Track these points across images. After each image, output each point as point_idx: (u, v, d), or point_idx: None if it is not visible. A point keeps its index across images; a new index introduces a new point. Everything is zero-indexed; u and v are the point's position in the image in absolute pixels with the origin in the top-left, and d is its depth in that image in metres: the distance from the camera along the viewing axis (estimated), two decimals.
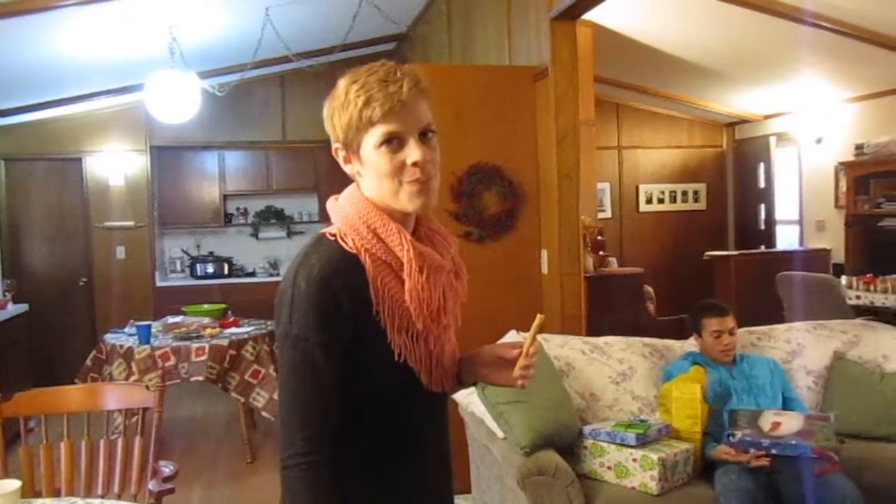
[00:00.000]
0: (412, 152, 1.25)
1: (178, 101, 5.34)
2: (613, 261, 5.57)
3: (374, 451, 1.31)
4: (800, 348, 3.48)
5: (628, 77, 7.49)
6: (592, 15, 4.26)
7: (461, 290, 1.38)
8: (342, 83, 1.28)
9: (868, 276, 3.58)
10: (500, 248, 3.96)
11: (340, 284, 1.23)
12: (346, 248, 1.27)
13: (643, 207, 8.40)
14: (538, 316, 1.36)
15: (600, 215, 7.68)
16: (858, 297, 5.22)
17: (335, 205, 1.35)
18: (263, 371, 4.60)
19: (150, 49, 5.36)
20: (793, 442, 2.69)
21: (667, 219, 8.44)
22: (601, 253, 5.03)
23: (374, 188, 1.29)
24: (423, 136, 1.27)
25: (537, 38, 3.99)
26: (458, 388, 1.46)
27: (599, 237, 5.04)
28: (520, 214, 3.99)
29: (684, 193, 8.47)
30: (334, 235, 1.29)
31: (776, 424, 2.77)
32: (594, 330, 3.84)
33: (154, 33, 5.21)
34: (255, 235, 8.16)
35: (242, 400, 4.59)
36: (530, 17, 4.11)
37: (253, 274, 8.01)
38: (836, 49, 5.27)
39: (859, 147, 6.07)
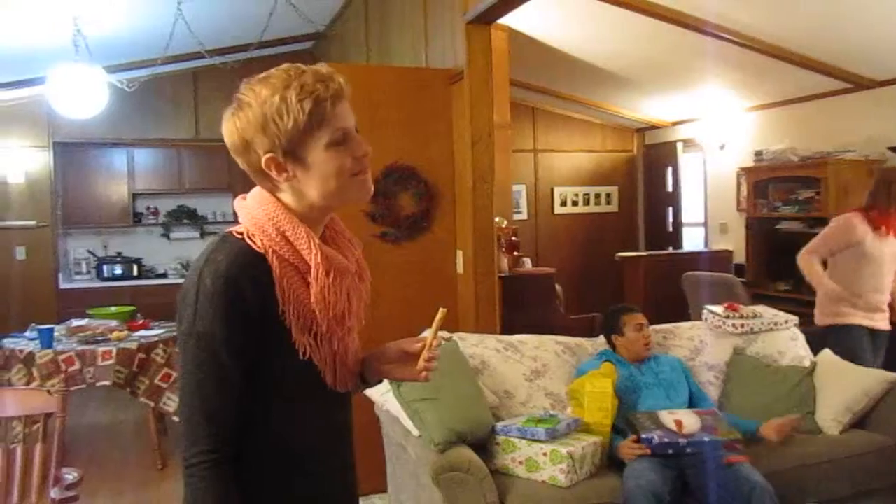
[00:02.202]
0: (361, 145, 1.30)
1: (84, 96, 5.14)
2: (527, 261, 5.67)
3: (277, 451, 1.31)
4: (702, 345, 3.65)
5: (544, 82, 7.65)
6: (508, 20, 4.34)
7: (365, 292, 1.41)
8: (266, 91, 1.25)
9: (727, 304, 3.88)
10: (415, 249, 3.99)
11: (247, 282, 1.23)
12: (254, 247, 1.27)
13: (558, 209, 8.59)
14: (440, 310, 1.38)
15: (516, 217, 7.81)
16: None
17: (243, 204, 1.35)
18: (174, 375, 4.48)
19: (53, 41, 5.15)
20: (705, 438, 2.81)
21: (580, 220, 8.66)
22: (515, 253, 5.11)
23: (318, 191, 1.29)
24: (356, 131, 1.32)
25: (453, 42, 4.04)
26: (362, 388, 1.48)
27: (514, 238, 5.12)
28: (435, 215, 4.03)
29: (597, 196, 8.71)
30: (241, 234, 1.29)
31: (679, 423, 2.90)
32: (508, 329, 3.91)
33: (57, 24, 5.00)
34: (166, 236, 7.93)
35: (152, 405, 4.46)
36: (446, 21, 4.17)
37: (164, 275, 7.78)
38: (738, 61, 5.53)
39: (758, 153, 6.39)
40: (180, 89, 7.56)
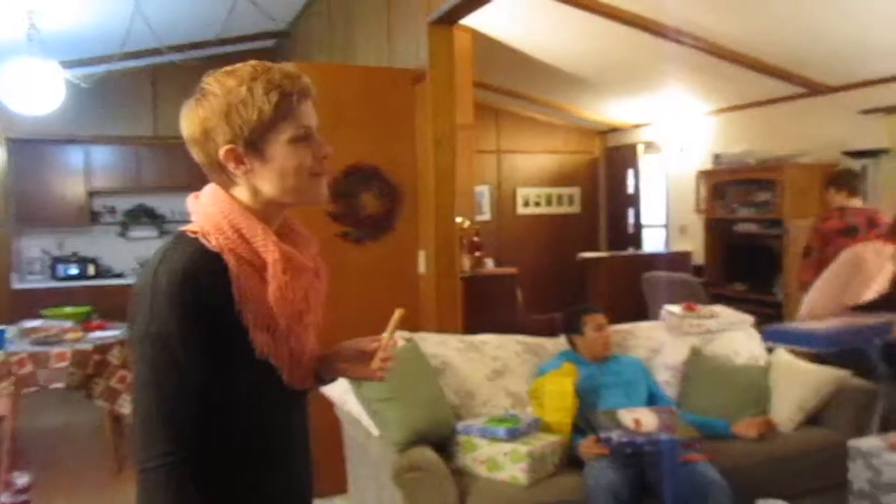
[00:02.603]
0: (323, 147, 1.30)
1: (38, 92, 5.02)
2: (490, 262, 5.70)
3: (235, 451, 1.29)
4: (661, 345, 3.69)
5: (507, 83, 7.69)
6: (471, 21, 4.36)
7: (322, 289, 1.39)
8: (232, 81, 1.25)
9: (686, 304, 3.93)
10: (377, 249, 3.97)
11: (203, 281, 1.21)
12: (209, 246, 1.25)
13: (521, 210, 8.64)
14: (397, 310, 1.38)
15: (479, 217, 7.84)
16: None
17: (197, 203, 1.33)
18: (131, 376, 4.39)
19: (6, 34, 5.02)
20: (663, 437, 2.85)
21: (543, 221, 8.72)
22: (477, 254, 5.14)
23: (274, 186, 1.28)
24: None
25: (416, 42, 4.04)
26: (317, 386, 1.47)
27: (476, 238, 5.15)
28: (398, 215, 4.02)
29: (560, 197, 8.79)
30: (196, 233, 1.27)
31: (638, 421, 2.93)
32: (470, 329, 3.92)
33: (10, 18, 4.87)
34: (123, 235, 7.78)
35: (108, 407, 4.37)
36: (410, 21, 4.16)
37: (121, 275, 7.63)
38: (699, 65, 5.62)
39: (717, 157, 6.50)
40: (139, 86, 7.43)
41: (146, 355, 1.21)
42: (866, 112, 5.36)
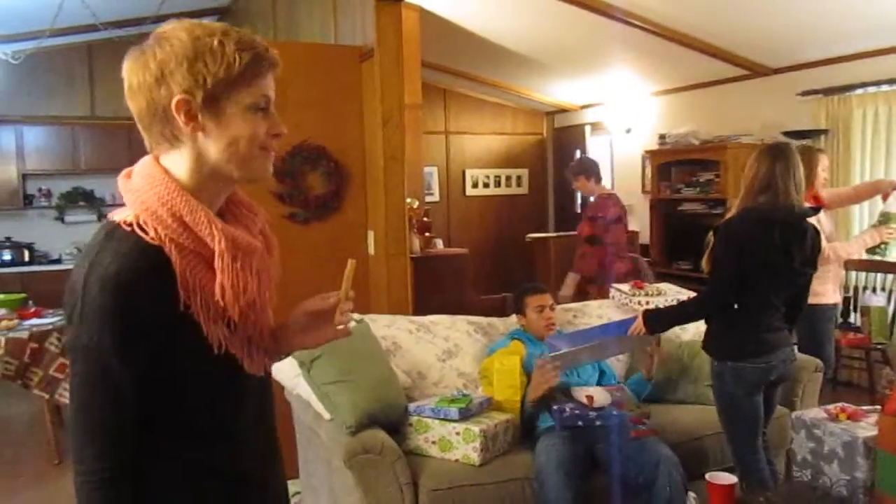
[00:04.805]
0: (280, 125, 1.21)
1: None
2: (439, 242, 5.68)
3: (199, 446, 1.22)
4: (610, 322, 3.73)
5: (456, 64, 7.65)
6: None
7: (274, 267, 1.30)
8: (200, 30, 1.14)
9: (634, 282, 4.00)
10: (325, 230, 3.91)
11: (141, 286, 1.10)
12: (147, 238, 1.13)
13: (469, 191, 8.64)
14: (350, 262, 1.32)
15: (428, 198, 7.82)
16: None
17: (129, 186, 1.19)
18: None
19: None
20: (614, 412, 2.88)
21: (492, 202, 8.74)
22: (427, 234, 5.11)
23: (222, 152, 1.17)
24: None
25: (363, 19, 3.96)
26: (270, 364, 1.40)
27: (425, 219, 5.12)
28: (346, 196, 3.96)
29: (508, 178, 8.81)
30: (130, 224, 1.15)
31: (590, 398, 2.96)
32: (421, 309, 3.90)
33: None
34: (60, 219, 7.52)
35: (47, 396, 4.23)
36: None
37: (58, 261, 7.37)
38: (645, 46, 5.67)
39: (662, 137, 6.59)
40: (73, 64, 7.15)
41: (78, 367, 1.13)
42: (805, 94, 5.49)
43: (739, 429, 2.81)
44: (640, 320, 2.94)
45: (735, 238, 2.74)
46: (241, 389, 1.27)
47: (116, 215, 1.19)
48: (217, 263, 1.16)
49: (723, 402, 2.83)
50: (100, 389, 1.11)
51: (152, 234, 1.13)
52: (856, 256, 3.91)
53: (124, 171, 1.23)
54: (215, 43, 1.13)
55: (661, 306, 3.50)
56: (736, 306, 2.74)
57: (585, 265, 4.80)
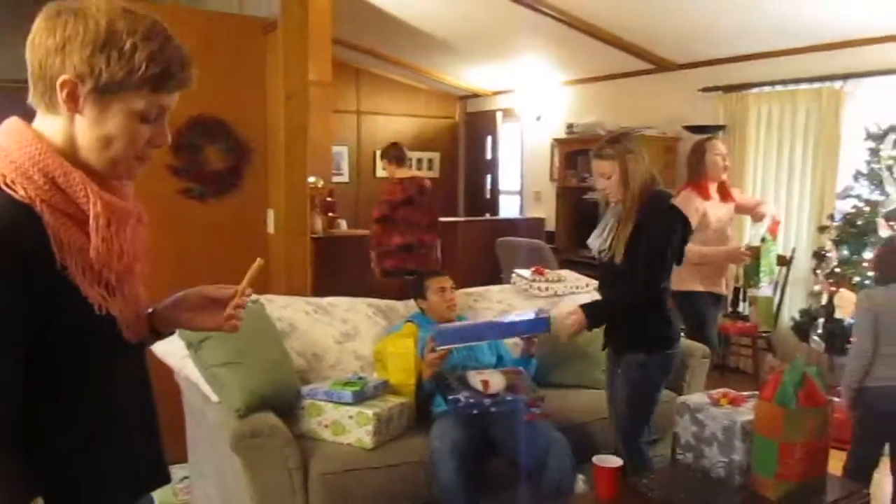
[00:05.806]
0: (165, 136, 1.19)
1: None
2: (343, 223, 5.59)
3: (83, 413, 1.19)
4: (510, 307, 3.77)
5: (370, 43, 7.54)
6: None
7: (145, 235, 1.28)
8: (124, 23, 1.10)
9: (535, 268, 4.08)
10: (223, 206, 3.77)
11: (18, 237, 1.05)
12: (16, 196, 1.09)
13: (380, 172, 8.52)
14: (257, 260, 1.34)
15: (337, 179, 7.70)
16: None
17: None
18: None
19: None
20: (509, 398, 2.89)
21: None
22: (331, 214, 5.03)
23: (91, 144, 1.14)
24: None
25: None
26: (154, 340, 1.39)
27: (329, 199, 5.03)
28: (246, 172, 3.83)
29: (419, 161, 8.77)
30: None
31: (486, 383, 2.96)
32: (322, 291, 3.83)
33: None
34: None
35: None
36: None
37: None
38: (556, 36, 5.73)
39: (570, 126, 6.70)
40: None
41: None
42: (706, 90, 5.68)
43: (644, 417, 2.91)
44: (579, 316, 2.88)
45: (673, 225, 2.85)
46: (122, 356, 1.25)
47: None
48: (92, 225, 1.13)
49: (642, 391, 2.88)
50: None
51: (22, 192, 1.10)
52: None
53: None
54: (128, 45, 1.11)
55: (588, 301, 3.50)
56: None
57: (373, 241, 5.18)
